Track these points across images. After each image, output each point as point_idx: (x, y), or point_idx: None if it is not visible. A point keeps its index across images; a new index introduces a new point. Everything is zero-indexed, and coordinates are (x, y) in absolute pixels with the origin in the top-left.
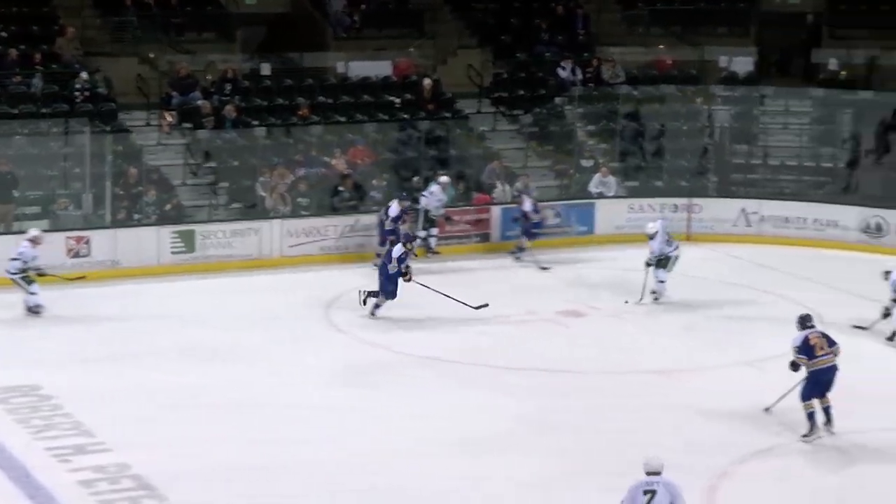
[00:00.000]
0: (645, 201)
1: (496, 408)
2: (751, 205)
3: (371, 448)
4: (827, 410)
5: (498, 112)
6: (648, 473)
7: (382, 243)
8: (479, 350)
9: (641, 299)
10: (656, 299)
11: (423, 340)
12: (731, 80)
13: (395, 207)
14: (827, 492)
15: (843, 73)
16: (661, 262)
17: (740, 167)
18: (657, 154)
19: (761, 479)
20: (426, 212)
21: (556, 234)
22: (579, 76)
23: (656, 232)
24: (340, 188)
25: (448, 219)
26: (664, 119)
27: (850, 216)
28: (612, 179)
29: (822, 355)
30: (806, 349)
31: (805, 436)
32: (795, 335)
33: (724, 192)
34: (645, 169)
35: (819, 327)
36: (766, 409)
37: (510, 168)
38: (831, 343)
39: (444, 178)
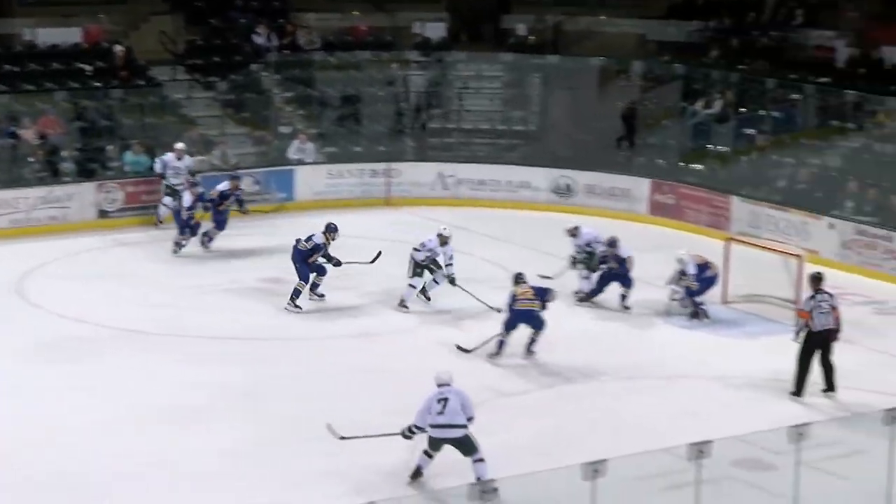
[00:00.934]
0: (344, 167)
1: (198, 378)
2: (447, 168)
3: (69, 425)
4: (532, 341)
5: (193, 80)
6: (440, 385)
7: (186, 230)
8: (179, 320)
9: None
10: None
11: (121, 313)
12: (425, 45)
13: (223, 184)
14: (521, 442)
15: (531, 38)
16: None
17: (436, 131)
18: (354, 120)
19: None
20: (167, 185)
21: (256, 201)
22: (275, 43)
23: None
24: (31, 159)
25: (195, 184)
26: (361, 85)
27: (541, 177)
28: (310, 146)
29: (522, 299)
30: (511, 299)
31: (492, 355)
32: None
33: (422, 156)
34: (343, 134)
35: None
36: (461, 348)
37: (207, 136)
38: (539, 294)
39: (179, 145)
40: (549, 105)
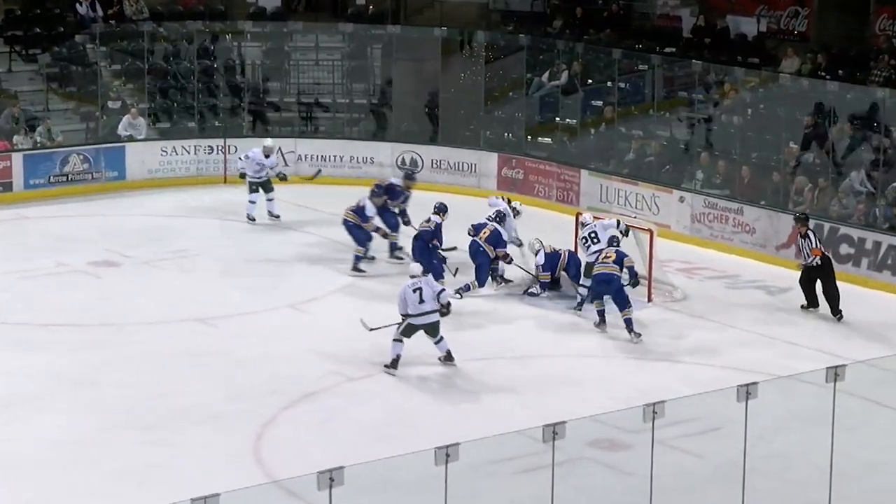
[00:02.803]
0: (178, 143)
1: (26, 367)
2: (287, 144)
3: None
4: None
5: (13, 52)
6: (412, 277)
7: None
8: (3, 306)
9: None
10: None
11: None
12: (260, 15)
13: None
14: (369, 427)
15: (371, 7)
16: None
17: (274, 106)
18: (188, 94)
19: (306, 422)
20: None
21: (86, 180)
22: (100, 13)
23: None
24: None
25: (283, 178)
26: (193, 57)
27: (386, 153)
28: (141, 121)
29: (603, 262)
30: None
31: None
32: None
33: (260, 131)
34: (176, 109)
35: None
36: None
37: (31, 112)
38: (619, 257)
39: (268, 142)
40: (392, 77)
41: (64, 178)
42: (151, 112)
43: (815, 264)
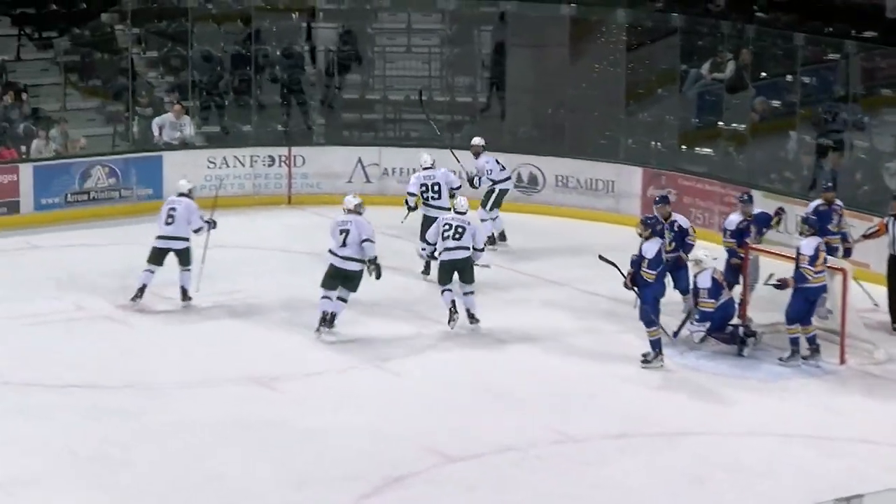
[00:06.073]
0: (229, 152)
1: (29, 438)
2: (369, 154)
3: None
4: (812, 339)
5: (23, 35)
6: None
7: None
8: (5, 364)
9: None
10: None
11: None
12: None
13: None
14: None
15: None
16: None
17: (354, 104)
18: (245, 90)
19: None
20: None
21: (112, 199)
22: None
23: None
24: None
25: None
26: (250, 43)
27: None
28: (187, 120)
29: (817, 273)
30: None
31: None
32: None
33: (335, 138)
34: (229, 109)
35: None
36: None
37: (44, 111)
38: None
39: (182, 183)
40: (506, 69)
41: (85, 197)
42: (198, 112)
43: None
